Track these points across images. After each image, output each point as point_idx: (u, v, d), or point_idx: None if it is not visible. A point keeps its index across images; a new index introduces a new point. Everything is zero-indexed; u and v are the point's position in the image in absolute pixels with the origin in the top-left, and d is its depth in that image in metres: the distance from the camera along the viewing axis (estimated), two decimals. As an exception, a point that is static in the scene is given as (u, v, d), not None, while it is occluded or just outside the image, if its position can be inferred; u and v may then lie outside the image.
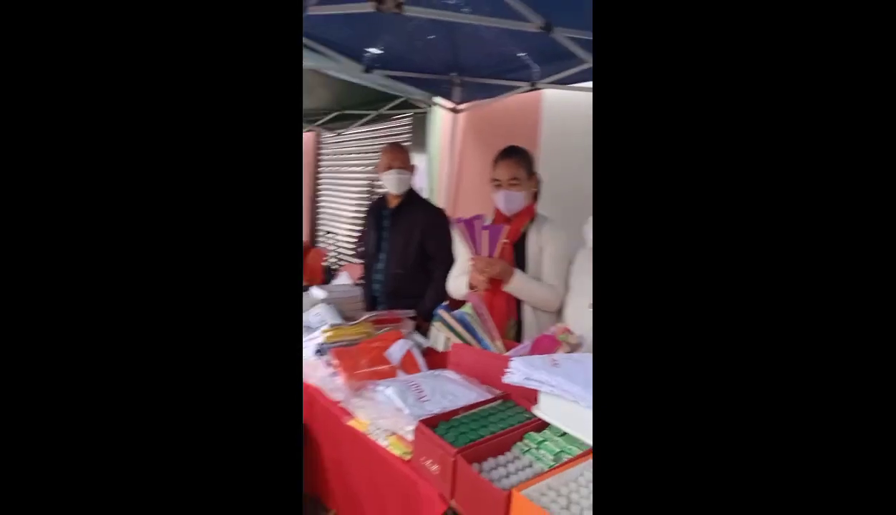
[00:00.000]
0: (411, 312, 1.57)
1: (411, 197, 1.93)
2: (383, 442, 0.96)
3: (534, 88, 2.39)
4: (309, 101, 3.40)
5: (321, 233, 4.78)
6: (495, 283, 1.41)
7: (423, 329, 1.63)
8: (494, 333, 1.27)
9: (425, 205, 1.98)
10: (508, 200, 1.46)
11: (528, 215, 1.50)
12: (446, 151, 2.98)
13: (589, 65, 1.85)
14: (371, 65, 2.33)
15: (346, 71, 2.34)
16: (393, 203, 1.92)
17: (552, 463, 0.82)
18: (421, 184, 3.32)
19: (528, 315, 1.44)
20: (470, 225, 1.38)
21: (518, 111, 2.65)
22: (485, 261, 1.38)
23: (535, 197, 1.56)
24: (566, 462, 0.82)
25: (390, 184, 1.86)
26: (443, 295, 1.66)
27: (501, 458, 0.84)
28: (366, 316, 1.47)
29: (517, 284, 1.39)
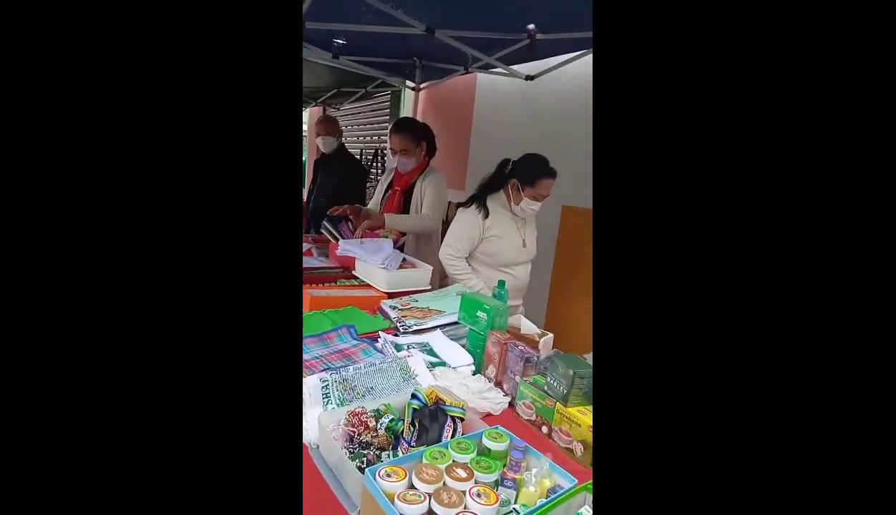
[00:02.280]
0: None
1: (338, 153, 2.64)
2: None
3: (467, 72, 2.96)
4: (314, 80, 4.12)
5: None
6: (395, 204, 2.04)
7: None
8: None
9: (347, 159, 2.67)
10: (401, 164, 2.05)
11: (419, 170, 2.07)
12: (412, 123, 3.62)
13: (484, 60, 2.42)
14: (337, 53, 2.98)
15: (318, 56, 3.00)
16: (327, 156, 2.68)
17: (344, 287, 1.48)
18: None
19: (409, 237, 2.05)
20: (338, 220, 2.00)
21: (460, 90, 3.22)
22: (363, 223, 1.91)
23: (428, 155, 2.11)
24: (350, 286, 1.48)
25: (320, 144, 2.60)
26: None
27: (322, 285, 1.51)
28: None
29: (391, 222, 1.93)
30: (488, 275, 1.69)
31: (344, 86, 4.15)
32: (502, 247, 1.67)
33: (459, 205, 1.80)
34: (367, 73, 3.46)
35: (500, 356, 1.04)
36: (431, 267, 1.59)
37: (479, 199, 1.70)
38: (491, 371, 1.06)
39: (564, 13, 1.92)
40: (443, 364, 1.06)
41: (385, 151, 4.20)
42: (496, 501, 0.59)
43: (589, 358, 0.94)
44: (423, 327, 1.22)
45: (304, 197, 3.05)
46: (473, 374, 1.06)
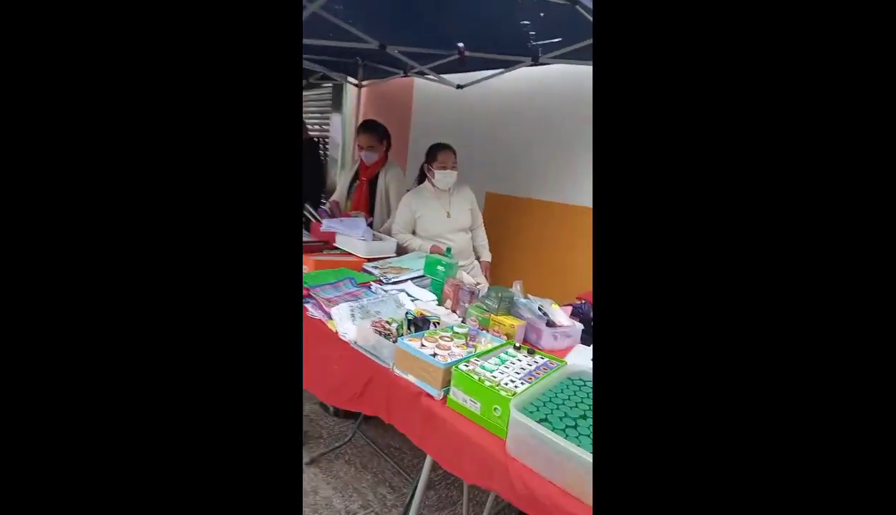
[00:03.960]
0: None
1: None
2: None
3: (406, 75, 3.44)
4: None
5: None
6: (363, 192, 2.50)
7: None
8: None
9: (309, 151, 3.08)
10: (367, 158, 2.53)
11: (381, 163, 2.57)
12: (354, 115, 4.03)
13: (418, 67, 2.94)
14: (290, 51, 3.31)
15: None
16: None
17: (331, 254, 1.96)
18: (337, 137, 4.36)
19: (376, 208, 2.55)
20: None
21: (399, 91, 3.71)
22: None
23: (387, 150, 2.61)
24: (335, 254, 1.96)
25: None
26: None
27: (314, 254, 1.97)
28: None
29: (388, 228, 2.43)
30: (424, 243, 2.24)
31: (284, 75, 4.42)
32: (429, 223, 2.23)
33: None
34: (311, 68, 3.80)
35: (454, 293, 1.62)
36: (395, 240, 2.12)
37: (410, 192, 2.31)
38: (448, 303, 1.63)
39: (491, 36, 2.47)
40: (417, 299, 1.62)
41: (327, 140, 4.56)
42: (465, 348, 1.17)
43: (513, 287, 1.55)
44: (399, 279, 1.75)
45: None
46: (437, 305, 1.63)
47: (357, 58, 3.67)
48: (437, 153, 2.22)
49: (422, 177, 2.33)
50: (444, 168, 2.20)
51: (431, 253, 2.10)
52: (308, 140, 3.13)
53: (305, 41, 2.81)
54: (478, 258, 2.39)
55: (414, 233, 2.28)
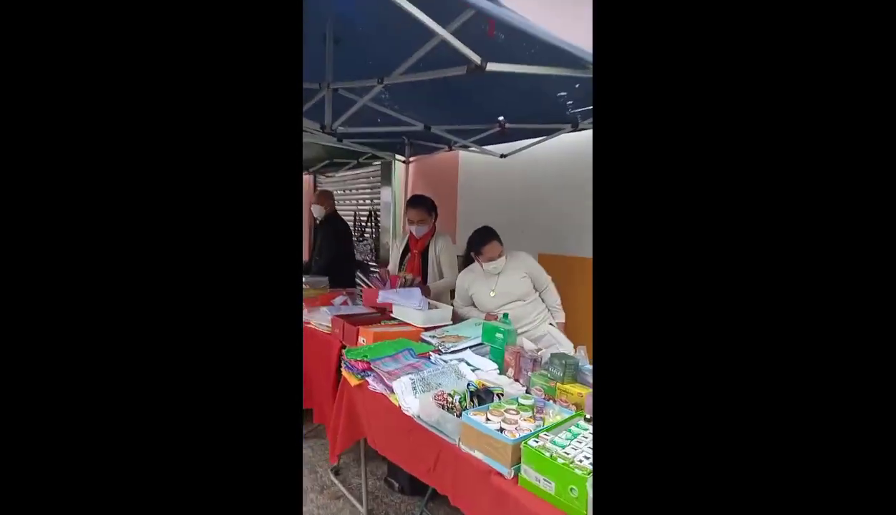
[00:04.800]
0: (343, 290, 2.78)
1: (328, 219, 3.40)
2: (322, 329, 2.14)
3: (450, 149, 3.63)
4: (308, 153, 4.71)
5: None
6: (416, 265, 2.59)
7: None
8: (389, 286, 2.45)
9: (333, 223, 3.37)
10: (418, 231, 2.64)
11: (430, 235, 2.67)
12: (403, 187, 4.25)
13: (461, 141, 3.10)
14: (341, 137, 3.60)
15: (325, 139, 3.61)
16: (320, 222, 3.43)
17: (388, 325, 2.00)
18: (389, 208, 4.59)
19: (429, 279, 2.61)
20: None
21: (445, 164, 3.89)
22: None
23: (435, 221, 2.71)
24: (392, 324, 2.00)
25: (314, 212, 3.45)
26: (323, 269, 2.92)
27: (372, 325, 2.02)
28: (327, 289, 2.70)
29: (434, 289, 2.52)
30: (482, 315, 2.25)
31: (336, 157, 4.77)
32: (480, 299, 2.26)
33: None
34: (361, 150, 4.10)
35: (516, 361, 1.58)
36: (451, 307, 2.13)
37: (464, 271, 2.36)
38: (510, 372, 1.60)
39: (530, 108, 2.57)
40: (478, 368, 1.59)
41: (378, 212, 4.80)
42: (533, 421, 1.12)
43: (577, 352, 1.50)
44: (457, 347, 1.74)
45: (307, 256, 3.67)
46: (499, 375, 1.59)
47: (404, 137, 3.94)
48: (481, 247, 2.19)
49: (469, 256, 2.34)
50: (492, 260, 2.19)
51: (486, 320, 2.08)
52: (332, 213, 3.51)
53: (356, 129, 3.08)
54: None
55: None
